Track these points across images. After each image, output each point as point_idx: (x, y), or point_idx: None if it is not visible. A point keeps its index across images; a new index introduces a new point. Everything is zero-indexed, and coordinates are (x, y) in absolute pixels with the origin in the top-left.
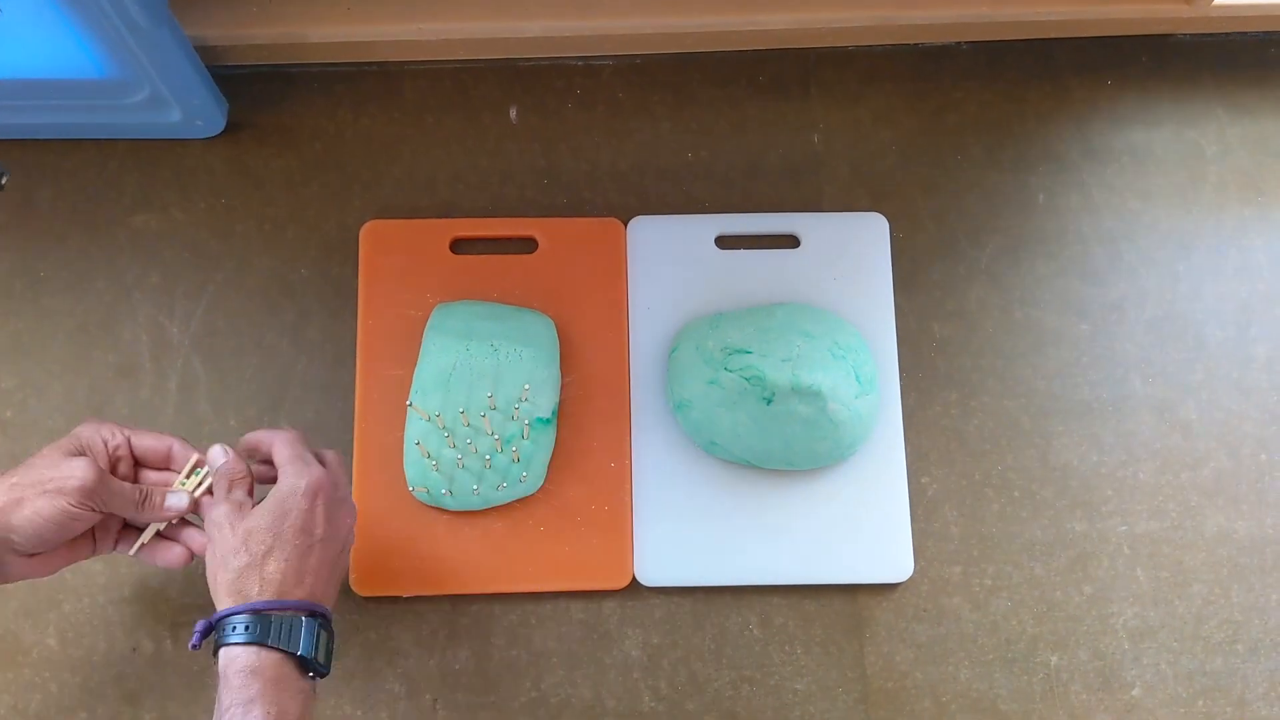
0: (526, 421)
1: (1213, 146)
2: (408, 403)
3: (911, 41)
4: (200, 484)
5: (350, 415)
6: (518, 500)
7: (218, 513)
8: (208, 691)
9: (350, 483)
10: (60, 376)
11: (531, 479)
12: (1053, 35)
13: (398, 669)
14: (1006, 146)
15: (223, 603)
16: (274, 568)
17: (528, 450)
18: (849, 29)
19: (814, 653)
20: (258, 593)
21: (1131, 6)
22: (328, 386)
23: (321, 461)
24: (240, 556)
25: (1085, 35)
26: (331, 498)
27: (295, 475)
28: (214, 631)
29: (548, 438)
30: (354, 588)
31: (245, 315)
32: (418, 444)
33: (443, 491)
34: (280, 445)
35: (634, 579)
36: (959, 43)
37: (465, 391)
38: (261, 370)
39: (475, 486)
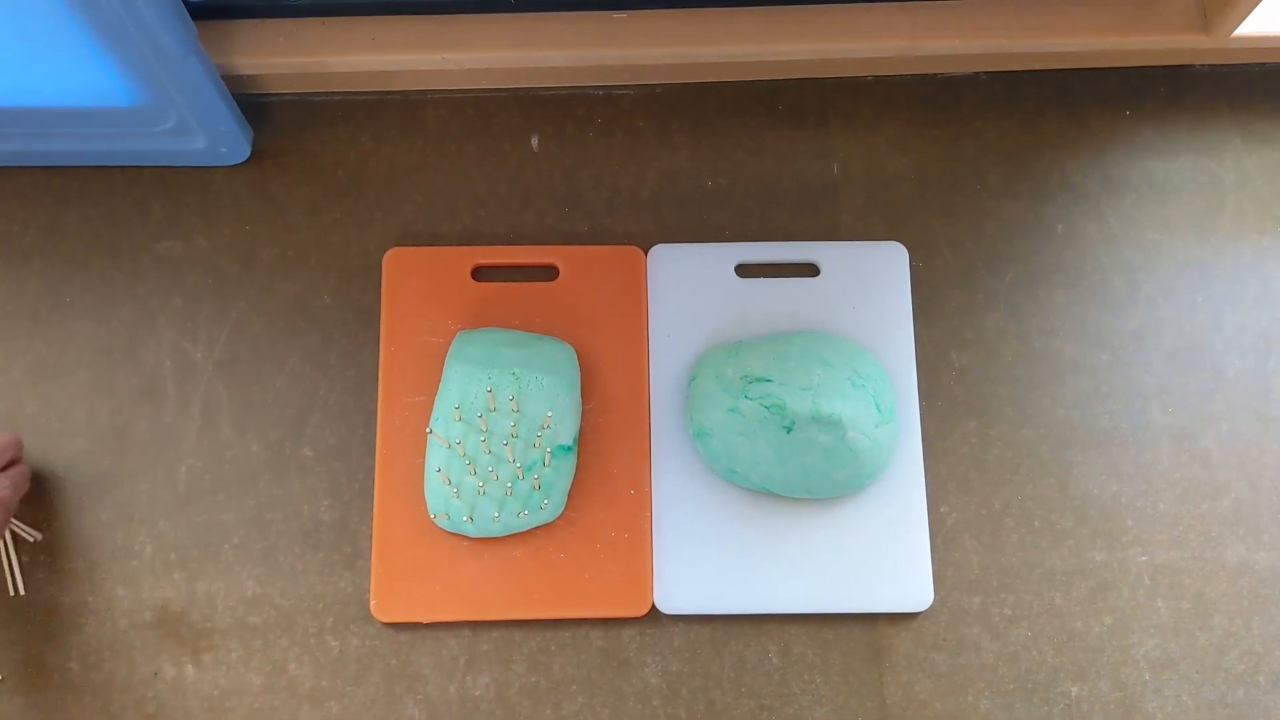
0: (548, 449)
1: (1231, 176)
2: (428, 430)
3: (929, 72)
4: None
5: (372, 441)
6: (538, 527)
7: None
8: (228, 716)
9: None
10: (84, 400)
11: (552, 506)
12: (1070, 66)
13: (418, 695)
14: (1024, 176)
15: None
16: None
17: (549, 478)
18: (867, 59)
19: (833, 682)
20: None
21: (1149, 38)
22: (350, 412)
23: None
24: None
25: (1103, 66)
26: None
27: None
28: None
29: (569, 465)
30: (374, 614)
31: (268, 341)
32: (439, 471)
33: (464, 518)
34: None
35: (654, 607)
36: (977, 73)
37: (486, 419)
38: (284, 395)
39: (496, 514)
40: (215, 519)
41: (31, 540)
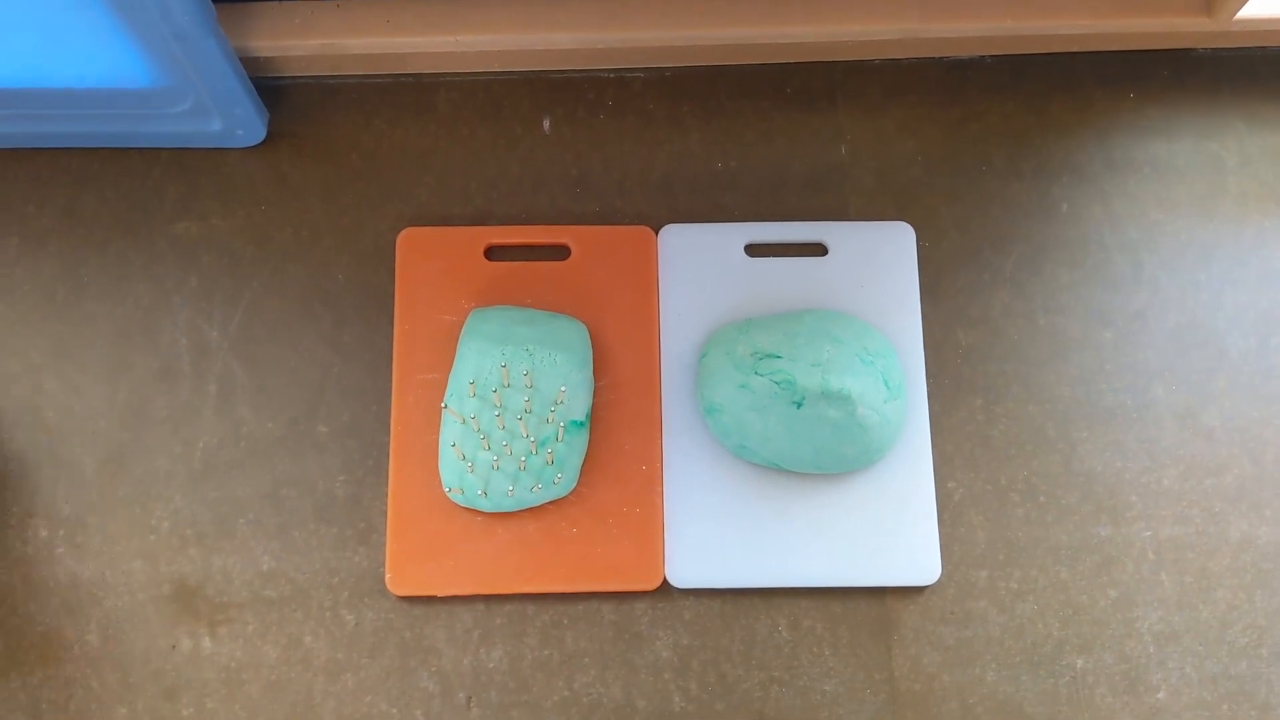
0: (561, 424)
1: (1233, 158)
2: (443, 405)
3: (936, 54)
4: None
5: (386, 418)
6: (551, 502)
7: None
8: (245, 688)
9: None
10: (102, 379)
11: (565, 481)
12: (1075, 49)
13: (432, 667)
14: (1029, 157)
15: None
16: None
17: (562, 453)
18: (875, 42)
19: (842, 655)
20: None
21: (1153, 20)
22: (364, 390)
23: None
24: None
25: (1107, 49)
26: None
27: None
28: None
29: (581, 440)
30: (389, 587)
31: (283, 321)
32: (453, 446)
33: (478, 493)
34: None
35: (665, 581)
36: (983, 55)
37: (501, 394)
38: (299, 374)
39: (510, 488)
40: (231, 495)
41: None
